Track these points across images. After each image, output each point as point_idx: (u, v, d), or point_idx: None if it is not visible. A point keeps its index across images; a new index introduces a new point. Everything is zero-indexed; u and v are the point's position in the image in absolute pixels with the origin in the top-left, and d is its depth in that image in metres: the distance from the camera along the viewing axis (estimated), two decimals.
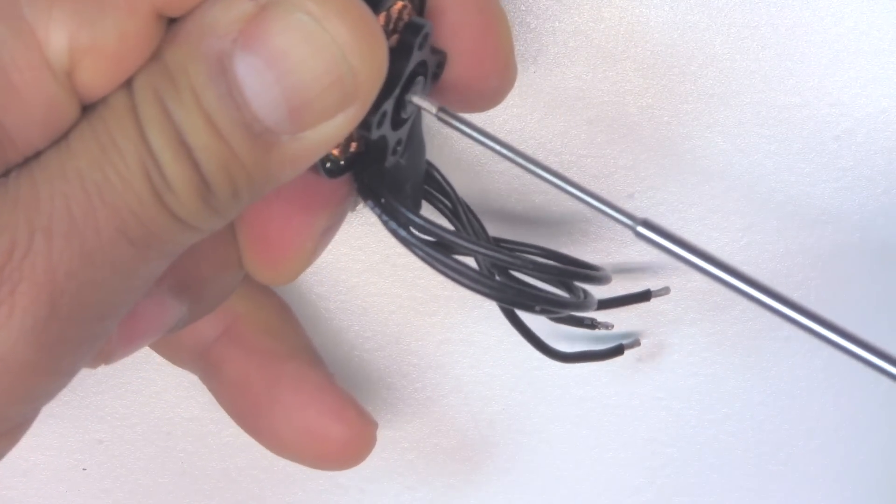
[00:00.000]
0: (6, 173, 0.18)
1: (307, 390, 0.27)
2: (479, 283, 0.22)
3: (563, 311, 0.25)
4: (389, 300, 0.31)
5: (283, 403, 0.27)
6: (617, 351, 0.30)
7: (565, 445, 0.33)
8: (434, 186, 0.26)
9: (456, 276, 0.22)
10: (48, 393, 0.20)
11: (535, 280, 0.26)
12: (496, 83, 0.23)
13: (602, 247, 0.30)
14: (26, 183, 0.18)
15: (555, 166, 0.29)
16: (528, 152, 0.21)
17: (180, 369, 0.29)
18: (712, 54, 0.27)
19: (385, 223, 0.22)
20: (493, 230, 0.27)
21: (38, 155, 0.18)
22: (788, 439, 0.33)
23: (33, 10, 0.17)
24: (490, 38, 0.22)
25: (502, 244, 0.27)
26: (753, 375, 0.31)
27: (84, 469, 0.33)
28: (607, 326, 0.30)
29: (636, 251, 0.30)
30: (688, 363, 0.31)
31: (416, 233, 0.22)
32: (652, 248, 0.19)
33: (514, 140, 0.29)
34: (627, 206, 0.29)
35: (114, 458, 0.33)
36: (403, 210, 0.22)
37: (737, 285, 0.19)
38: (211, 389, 0.28)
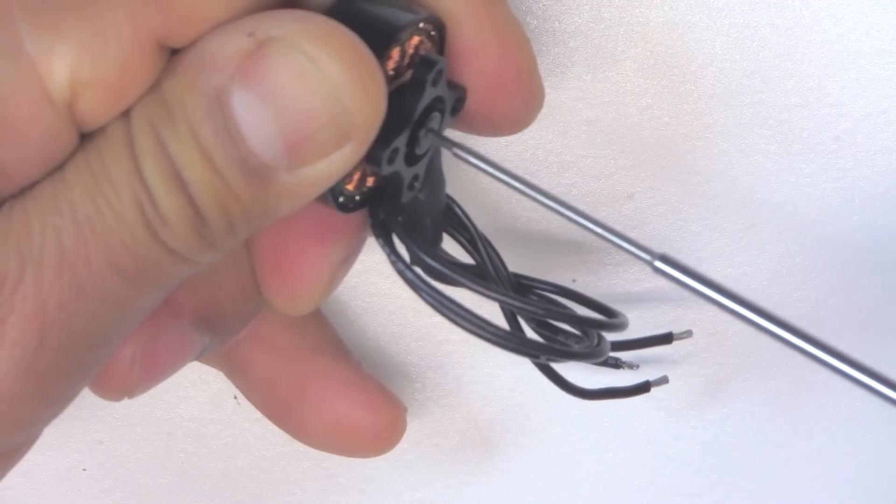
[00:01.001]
0: (0, 204, 0.18)
1: (335, 383, 0.27)
2: (484, 330, 0.22)
3: (570, 361, 0.25)
4: (389, 300, 0.31)
5: (313, 398, 0.27)
6: (643, 388, 0.29)
7: (565, 446, 0.33)
8: (454, 220, 0.26)
9: (462, 323, 0.22)
10: (41, 420, 0.20)
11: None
12: (521, 107, 0.23)
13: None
14: (19, 214, 0.18)
15: (554, 167, 0.29)
16: (542, 185, 0.21)
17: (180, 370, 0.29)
18: (712, 54, 0.27)
19: (393, 264, 0.22)
20: (513, 261, 0.27)
21: (33, 184, 0.18)
22: (788, 439, 0.33)
23: (35, 44, 0.17)
24: (510, 63, 0.22)
25: (522, 280, 0.27)
26: (753, 376, 0.31)
27: (84, 469, 0.33)
28: (632, 367, 0.29)
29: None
30: (688, 363, 0.31)
31: (424, 274, 0.22)
32: (670, 283, 0.19)
33: (515, 140, 0.29)
34: (627, 207, 0.29)
35: (114, 458, 0.33)
36: (417, 250, 0.22)
37: (758, 322, 0.19)
38: (238, 387, 0.28)
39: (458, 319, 0.22)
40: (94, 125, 0.19)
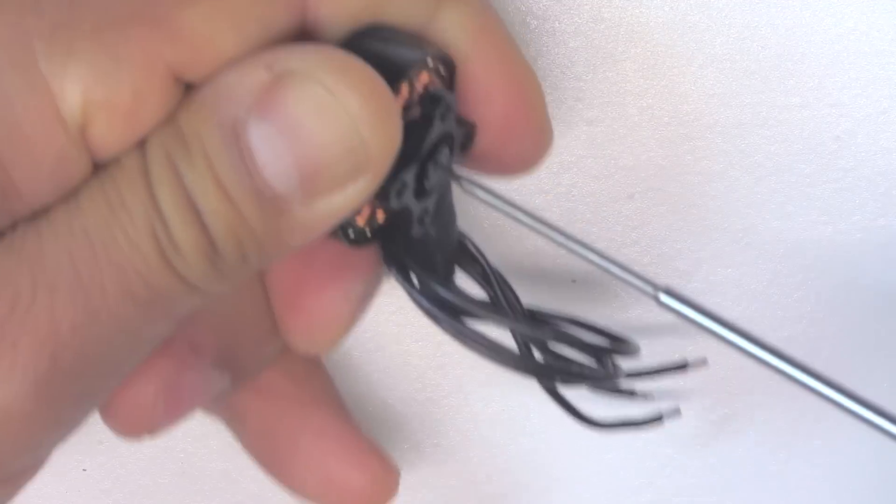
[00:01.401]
0: (13, 226, 0.18)
1: (330, 438, 0.27)
2: (500, 354, 0.22)
3: (583, 383, 0.25)
4: (390, 300, 0.31)
5: (306, 451, 0.27)
6: (656, 419, 0.29)
7: (565, 446, 0.33)
8: (467, 255, 0.26)
9: (478, 348, 0.22)
10: (49, 444, 0.20)
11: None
12: (530, 147, 0.23)
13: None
14: (32, 237, 0.18)
15: (555, 167, 0.29)
16: (555, 222, 0.21)
17: None
18: (712, 54, 0.27)
19: (409, 293, 0.22)
20: (526, 296, 0.27)
21: (46, 210, 0.18)
22: (788, 439, 0.33)
23: (49, 63, 0.18)
24: (520, 103, 0.22)
25: (536, 315, 0.27)
26: (753, 376, 0.31)
27: (84, 469, 0.33)
28: (646, 396, 0.29)
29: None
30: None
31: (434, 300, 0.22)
32: (674, 316, 0.19)
33: None
34: (627, 207, 0.29)
35: (114, 458, 0.33)
36: (430, 281, 0.22)
37: (763, 358, 0.19)
38: (235, 433, 0.28)
39: (474, 344, 0.22)
40: (108, 154, 0.19)
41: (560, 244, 0.21)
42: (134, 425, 0.22)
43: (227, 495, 0.33)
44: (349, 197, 0.19)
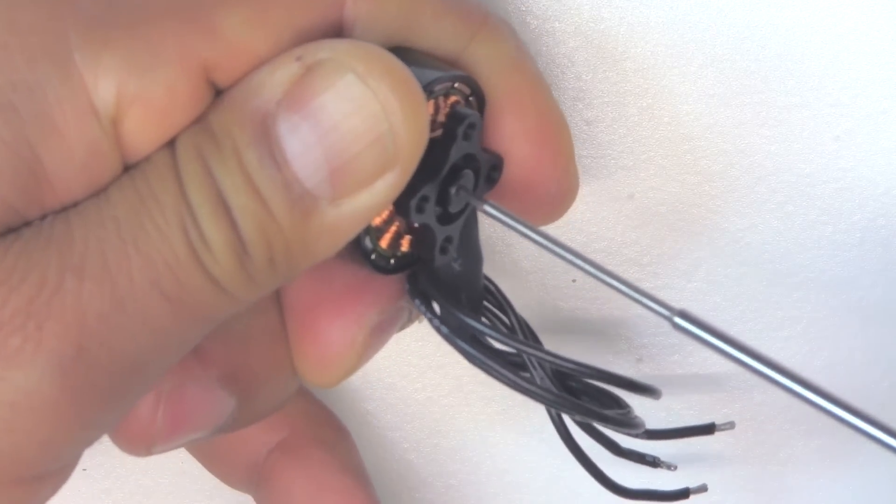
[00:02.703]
0: (43, 217, 0.18)
1: None
2: (528, 385, 0.22)
3: (604, 423, 0.25)
4: None
5: None
6: (682, 494, 0.29)
7: (565, 446, 0.33)
8: (493, 302, 0.26)
9: (506, 381, 0.22)
10: (76, 443, 0.19)
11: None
12: (555, 190, 0.23)
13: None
14: (61, 225, 0.18)
15: None
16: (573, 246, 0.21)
17: None
18: (712, 54, 0.27)
19: (436, 328, 0.22)
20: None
21: (76, 203, 0.18)
22: (788, 439, 0.33)
23: (83, 54, 0.18)
24: (548, 145, 0.22)
25: (561, 369, 0.27)
26: (753, 375, 0.31)
27: (84, 469, 0.33)
28: (670, 467, 0.29)
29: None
30: (688, 363, 0.31)
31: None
32: (690, 339, 0.20)
33: None
34: (627, 207, 0.29)
35: (114, 458, 0.33)
36: (457, 312, 0.22)
37: (778, 380, 0.19)
38: (256, 497, 0.28)
39: (502, 377, 0.22)
40: (139, 152, 0.19)
41: (581, 268, 0.21)
42: (133, 437, 0.22)
43: (227, 495, 0.33)
44: (377, 194, 0.19)
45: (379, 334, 0.24)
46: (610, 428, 0.26)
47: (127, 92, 0.18)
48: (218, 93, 0.19)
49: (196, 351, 0.22)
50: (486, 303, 0.26)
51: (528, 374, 0.23)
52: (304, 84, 0.18)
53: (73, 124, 0.18)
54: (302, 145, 0.18)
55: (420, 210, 0.21)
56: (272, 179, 0.18)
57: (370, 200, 0.19)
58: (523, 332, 0.26)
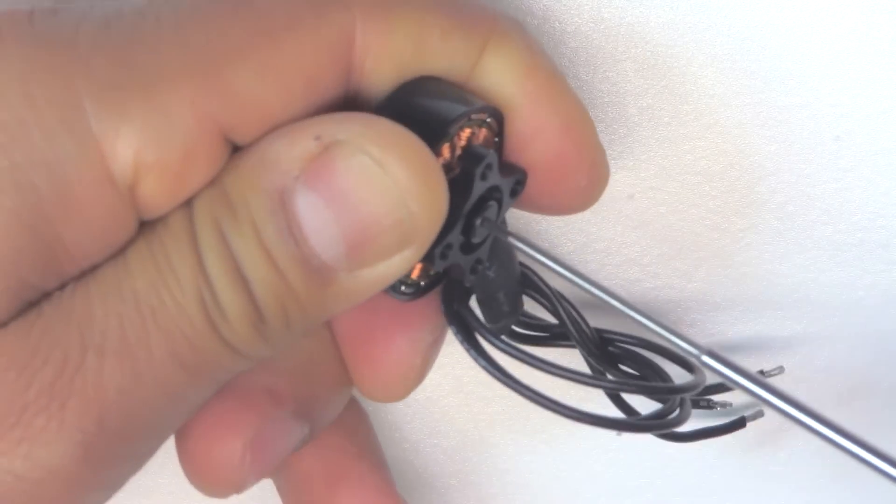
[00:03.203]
0: (62, 287, 0.18)
1: (367, 493, 0.27)
2: (564, 409, 0.22)
3: (648, 433, 0.26)
4: None
5: (342, 502, 0.27)
6: (739, 424, 0.29)
7: (565, 446, 0.33)
8: (531, 286, 0.26)
9: (537, 401, 0.22)
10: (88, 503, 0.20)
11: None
12: (585, 184, 0.23)
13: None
14: (81, 298, 0.18)
15: None
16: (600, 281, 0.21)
17: None
18: (712, 54, 0.27)
19: (468, 352, 0.22)
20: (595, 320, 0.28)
21: (93, 268, 0.19)
22: (788, 439, 0.33)
23: (101, 125, 0.18)
24: (571, 142, 0.22)
25: (604, 335, 0.28)
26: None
27: None
28: (724, 405, 0.29)
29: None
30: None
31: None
32: (717, 377, 0.20)
33: None
34: (627, 207, 0.29)
35: None
36: (489, 337, 0.22)
37: (804, 421, 0.19)
38: (278, 487, 0.28)
39: (539, 401, 0.22)
40: (154, 212, 0.19)
41: (608, 303, 0.21)
42: (223, 483, 0.22)
43: None
44: (395, 266, 0.19)
45: (434, 348, 0.24)
46: (660, 431, 0.26)
47: (144, 159, 0.18)
48: (235, 148, 0.19)
49: (268, 390, 0.22)
50: (527, 289, 0.26)
51: (566, 404, 0.23)
52: (322, 162, 0.18)
53: (92, 195, 0.18)
54: (320, 222, 0.18)
55: (444, 257, 0.21)
56: (290, 253, 0.19)
57: (388, 271, 0.19)
58: (565, 310, 0.26)
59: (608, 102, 0.28)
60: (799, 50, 0.27)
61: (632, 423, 0.25)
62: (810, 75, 0.27)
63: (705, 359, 0.20)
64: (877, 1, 0.26)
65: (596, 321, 0.27)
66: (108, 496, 0.20)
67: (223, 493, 0.23)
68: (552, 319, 0.26)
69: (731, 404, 0.30)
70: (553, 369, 0.23)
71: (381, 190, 0.19)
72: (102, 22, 0.18)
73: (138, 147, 0.18)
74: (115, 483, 0.20)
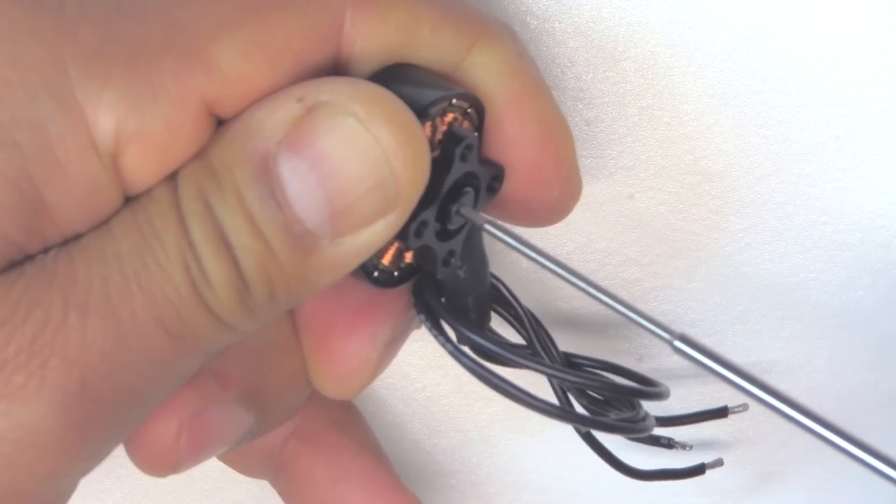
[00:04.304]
0: (45, 251, 0.18)
1: (372, 487, 0.27)
2: (532, 400, 0.22)
3: (613, 433, 0.25)
4: None
5: (349, 500, 0.27)
6: (698, 470, 0.29)
7: (565, 445, 0.33)
8: (500, 299, 0.26)
9: (510, 395, 0.22)
10: (74, 474, 0.19)
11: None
12: (558, 195, 0.23)
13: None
14: (64, 261, 0.18)
15: None
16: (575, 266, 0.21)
17: None
18: (712, 54, 0.27)
19: (437, 339, 0.22)
20: (561, 339, 0.28)
21: (77, 237, 0.18)
22: (788, 439, 0.33)
23: (84, 90, 0.18)
24: (549, 149, 0.22)
25: (572, 358, 0.28)
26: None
27: None
28: (685, 447, 0.29)
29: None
30: (688, 364, 0.31)
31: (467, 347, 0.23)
32: (689, 363, 0.20)
33: None
34: (627, 207, 0.29)
35: (114, 458, 0.33)
36: (461, 328, 0.22)
37: (780, 408, 0.19)
38: (279, 491, 0.28)
39: (506, 391, 0.22)
40: (139, 186, 0.19)
41: (581, 289, 0.21)
42: (157, 461, 0.22)
43: (227, 495, 0.33)
44: (377, 234, 0.19)
45: (392, 347, 0.24)
46: (625, 434, 0.26)
47: (126, 128, 0.18)
48: (220, 123, 0.19)
49: (215, 373, 0.22)
50: (495, 304, 0.26)
51: (541, 398, 0.23)
52: (305, 126, 0.18)
53: (74, 159, 0.18)
54: (303, 186, 0.18)
55: (419, 235, 0.21)
56: (273, 219, 0.18)
57: (370, 239, 0.19)
58: (532, 327, 0.26)
59: (608, 102, 0.28)
60: (799, 50, 0.27)
61: (599, 421, 0.25)
62: (810, 75, 0.27)
63: (678, 344, 0.20)
64: (877, 1, 0.26)
65: (564, 345, 0.28)
66: (89, 468, 0.20)
67: (159, 472, 0.22)
68: (518, 339, 0.26)
69: (691, 446, 0.29)
70: (522, 361, 0.23)
71: (363, 149, 0.18)
72: None
73: (119, 115, 0.18)
74: (98, 454, 0.20)
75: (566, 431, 0.33)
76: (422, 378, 0.32)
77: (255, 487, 0.33)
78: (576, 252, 0.30)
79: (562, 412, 0.23)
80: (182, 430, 0.22)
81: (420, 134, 0.19)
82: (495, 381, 0.22)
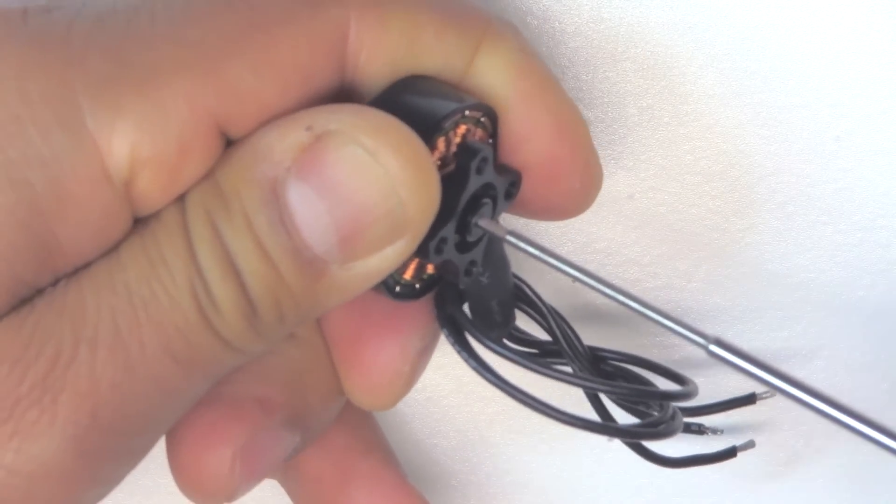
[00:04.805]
0: (55, 282, 0.18)
1: (380, 489, 0.27)
2: (558, 414, 0.22)
3: (640, 440, 0.26)
4: None
5: (356, 500, 0.27)
6: (729, 454, 0.29)
7: (565, 446, 0.33)
8: (524, 299, 0.26)
9: (535, 408, 0.22)
10: (85, 501, 0.20)
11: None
12: (578, 187, 0.23)
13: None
14: (74, 293, 0.18)
15: None
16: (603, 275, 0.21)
17: None
18: (712, 54, 0.27)
19: (461, 356, 0.22)
20: (588, 335, 0.27)
21: (87, 265, 0.18)
22: (788, 439, 0.33)
23: (96, 121, 0.18)
24: (564, 144, 0.22)
25: (597, 352, 0.28)
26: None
27: None
28: (716, 432, 0.29)
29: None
30: (689, 364, 0.31)
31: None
32: (726, 367, 0.19)
33: None
34: (627, 207, 0.29)
35: None
36: (484, 341, 0.22)
37: (818, 406, 0.19)
38: (288, 490, 0.28)
39: (531, 404, 0.22)
40: (149, 208, 0.19)
41: (609, 296, 0.21)
42: (213, 492, 0.22)
43: None
44: (387, 259, 0.19)
45: (424, 355, 0.24)
46: (653, 440, 0.26)
47: (140, 154, 0.18)
48: (229, 142, 0.19)
49: (258, 400, 0.22)
50: (519, 303, 0.26)
51: (563, 410, 0.23)
52: (313, 154, 0.18)
53: (87, 192, 0.18)
54: (312, 213, 0.18)
55: (439, 251, 0.21)
56: (282, 245, 0.18)
57: (381, 263, 0.19)
58: (558, 325, 0.26)
59: (608, 102, 0.28)
60: (799, 50, 0.27)
61: (625, 429, 0.24)
62: (810, 75, 0.27)
63: (713, 348, 0.19)
64: (877, 1, 0.26)
65: (589, 338, 0.27)
66: (104, 493, 0.20)
67: (214, 502, 0.22)
68: (544, 336, 0.26)
69: (722, 431, 0.29)
70: (550, 372, 0.23)
71: (372, 179, 0.18)
72: (96, 18, 0.18)
73: (134, 142, 0.18)
74: (111, 480, 0.20)
75: (566, 431, 0.32)
76: (422, 378, 0.32)
77: (256, 488, 0.33)
78: (576, 252, 0.30)
79: (587, 424, 0.23)
80: (235, 460, 0.22)
81: (428, 162, 0.19)
82: (522, 396, 0.22)
